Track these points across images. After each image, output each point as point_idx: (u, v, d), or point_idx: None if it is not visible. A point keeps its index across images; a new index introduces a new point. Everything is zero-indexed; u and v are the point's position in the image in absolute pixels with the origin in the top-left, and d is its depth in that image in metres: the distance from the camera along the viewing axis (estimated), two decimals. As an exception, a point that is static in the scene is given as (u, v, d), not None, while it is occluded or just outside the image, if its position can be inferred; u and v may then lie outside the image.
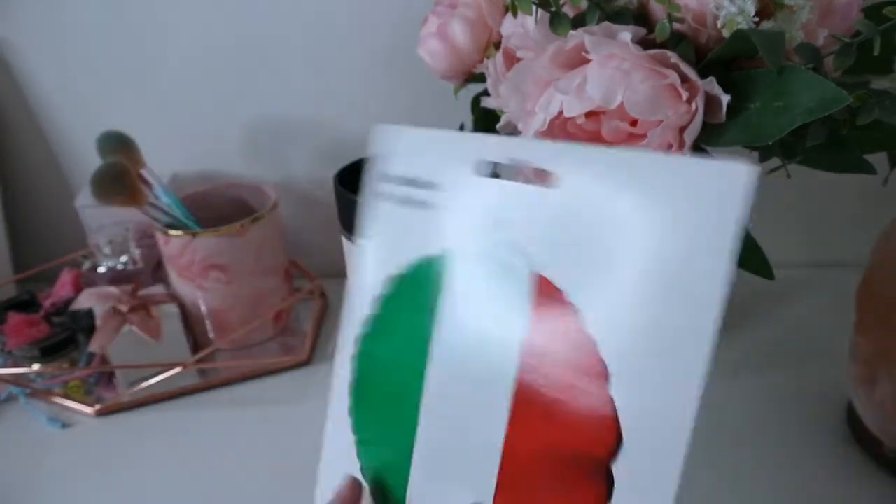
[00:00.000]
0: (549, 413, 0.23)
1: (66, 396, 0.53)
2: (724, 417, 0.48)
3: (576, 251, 0.22)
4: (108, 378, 0.55)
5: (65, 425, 0.51)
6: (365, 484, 0.28)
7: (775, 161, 0.36)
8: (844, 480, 0.42)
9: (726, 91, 0.32)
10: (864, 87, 0.34)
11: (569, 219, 0.23)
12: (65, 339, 0.56)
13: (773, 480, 0.42)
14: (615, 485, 0.21)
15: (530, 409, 0.23)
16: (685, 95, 0.32)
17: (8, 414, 0.52)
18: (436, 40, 0.45)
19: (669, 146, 0.33)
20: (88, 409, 0.52)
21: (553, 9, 0.34)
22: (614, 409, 0.21)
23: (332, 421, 0.29)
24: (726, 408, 0.49)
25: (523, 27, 0.37)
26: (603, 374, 0.21)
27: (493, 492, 0.24)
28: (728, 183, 0.19)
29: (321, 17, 0.59)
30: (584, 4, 0.35)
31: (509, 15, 0.39)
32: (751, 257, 0.34)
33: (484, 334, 0.25)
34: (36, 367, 0.55)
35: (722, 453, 0.45)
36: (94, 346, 0.52)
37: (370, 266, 0.28)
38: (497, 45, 0.43)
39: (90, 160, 0.54)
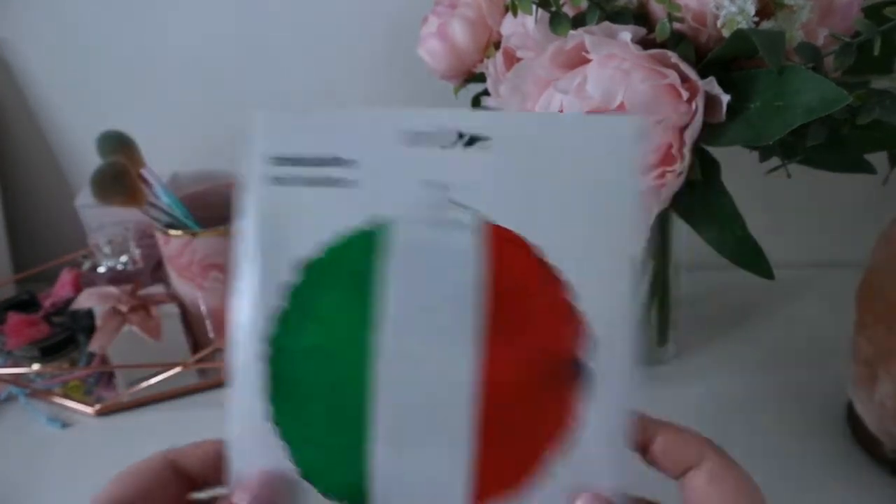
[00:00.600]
0: (519, 334, 0.26)
1: (66, 396, 0.53)
2: (723, 417, 0.48)
3: (512, 197, 0.26)
4: (107, 378, 0.55)
5: (65, 425, 0.51)
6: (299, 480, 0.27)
7: (775, 161, 0.36)
8: (844, 480, 0.42)
9: (726, 91, 0.32)
10: (864, 86, 0.34)
11: (502, 173, 0.26)
12: (65, 339, 0.56)
13: (772, 480, 0.42)
14: (588, 371, 0.25)
15: (500, 338, 0.26)
16: (685, 95, 0.32)
17: (8, 414, 0.52)
18: (436, 40, 0.45)
19: (670, 146, 0.33)
20: (88, 409, 0.51)
21: (553, 9, 0.34)
22: (576, 309, 0.25)
23: (239, 442, 0.26)
24: (726, 407, 0.49)
25: (523, 27, 0.37)
26: (562, 285, 0.25)
27: (469, 431, 0.25)
28: (625, 128, 0.26)
29: (321, 16, 0.59)
30: (584, 4, 0.35)
31: (509, 15, 0.39)
32: (751, 257, 0.34)
33: (440, 285, 0.26)
34: (36, 366, 0.55)
35: (722, 453, 0.45)
36: (94, 346, 0.52)
37: (270, 255, 0.27)
38: (497, 45, 0.43)
39: (90, 160, 0.54)
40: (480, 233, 0.26)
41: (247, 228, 0.27)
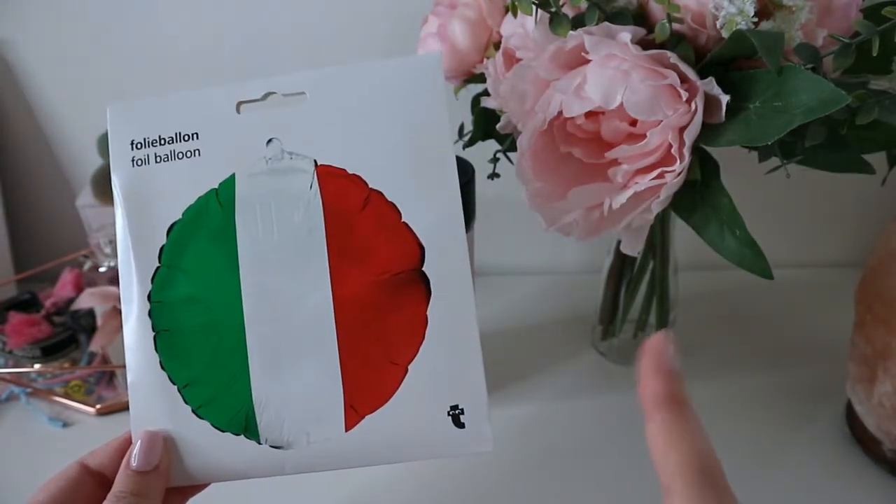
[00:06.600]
0: (362, 257, 0.29)
1: (67, 396, 0.53)
2: (723, 417, 0.48)
3: (338, 140, 0.30)
4: (108, 378, 0.55)
5: (66, 425, 0.51)
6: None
7: (775, 161, 0.36)
8: (844, 480, 0.42)
9: (725, 91, 0.32)
10: (863, 87, 0.34)
11: (321, 120, 0.30)
12: (66, 338, 0.56)
13: (772, 480, 0.43)
14: (430, 280, 0.29)
15: (345, 262, 0.29)
16: (684, 96, 0.32)
17: (9, 413, 0.53)
18: (436, 40, 0.45)
19: (669, 146, 0.33)
20: (89, 409, 0.52)
21: (553, 9, 0.34)
22: (410, 229, 0.29)
23: (135, 390, 0.30)
24: (726, 407, 0.49)
25: (523, 27, 0.38)
26: (394, 210, 0.29)
27: (336, 346, 0.29)
28: (426, 63, 0.30)
29: (322, 17, 0.59)
30: (583, 5, 0.35)
31: (509, 15, 0.39)
32: (750, 257, 0.34)
33: (286, 225, 0.30)
34: (37, 366, 0.55)
35: (721, 453, 0.45)
36: (95, 345, 0.52)
37: (138, 224, 0.31)
38: (497, 45, 0.43)
39: (90, 160, 0.54)
40: (314, 173, 0.30)
41: (116, 205, 0.31)
